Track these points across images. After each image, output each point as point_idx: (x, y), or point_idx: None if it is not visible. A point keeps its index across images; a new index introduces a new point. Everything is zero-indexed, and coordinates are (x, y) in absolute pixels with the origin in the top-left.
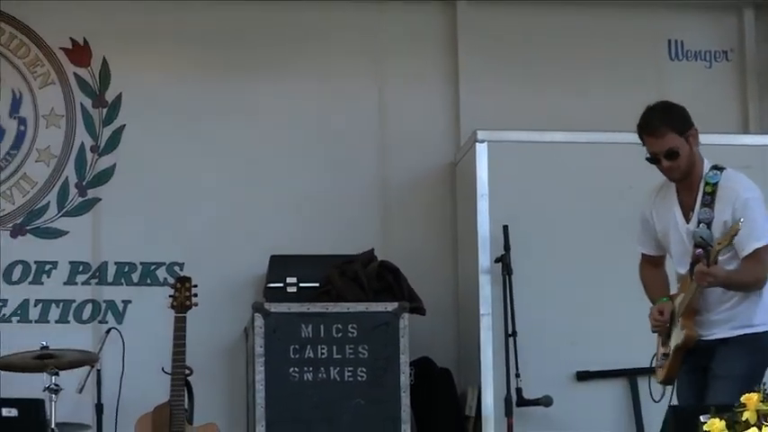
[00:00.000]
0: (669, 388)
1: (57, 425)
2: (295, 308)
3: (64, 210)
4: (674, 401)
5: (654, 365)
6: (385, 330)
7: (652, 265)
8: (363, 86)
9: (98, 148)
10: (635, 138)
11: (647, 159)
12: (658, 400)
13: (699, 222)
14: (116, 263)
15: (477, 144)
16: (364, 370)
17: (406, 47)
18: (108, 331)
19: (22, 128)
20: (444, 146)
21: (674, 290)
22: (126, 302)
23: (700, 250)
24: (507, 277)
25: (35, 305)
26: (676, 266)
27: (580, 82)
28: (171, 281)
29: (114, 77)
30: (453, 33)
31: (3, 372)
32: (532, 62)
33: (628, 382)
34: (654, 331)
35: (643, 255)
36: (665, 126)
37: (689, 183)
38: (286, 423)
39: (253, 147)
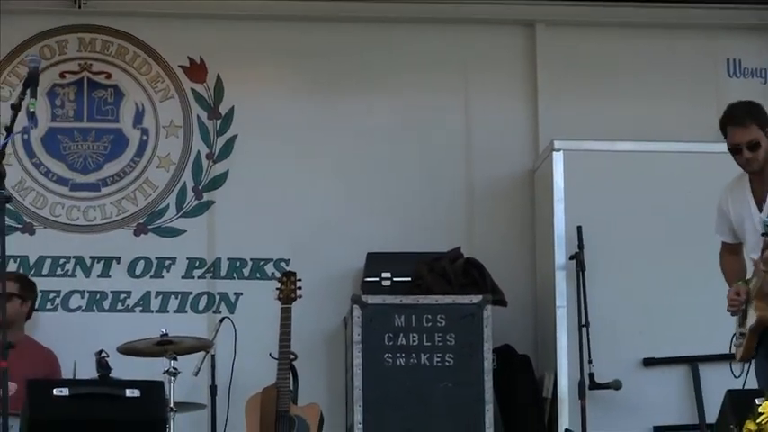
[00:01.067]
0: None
1: (175, 404)
2: (389, 300)
3: (182, 211)
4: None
5: (733, 345)
6: (470, 320)
7: (731, 253)
8: (452, 101)
9: (213, 155)
10: (697, 147)
11: (729, 150)
12: (738, 376)
13: None
14: (228, 259)
15: (553, 153)
16: (452, 356)
17: (490, 65)
18: (221, 320)
19: (145, 137)
20: (524, 155)
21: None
22: (237, 294)
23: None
24: (581, 273)
25: (156, 297)
26: (750, 253)
27: (647, 96)
28: (278, 275)
29: (227, 92)
30: (533, 53)
31: (127, 356)
32: (604, 79)
33: (690, 368)
34: (730, 311)
35: (723, 243)
36: (750, 118)
37: (762, 175)
38: (381, 404)
39: (352, 155)
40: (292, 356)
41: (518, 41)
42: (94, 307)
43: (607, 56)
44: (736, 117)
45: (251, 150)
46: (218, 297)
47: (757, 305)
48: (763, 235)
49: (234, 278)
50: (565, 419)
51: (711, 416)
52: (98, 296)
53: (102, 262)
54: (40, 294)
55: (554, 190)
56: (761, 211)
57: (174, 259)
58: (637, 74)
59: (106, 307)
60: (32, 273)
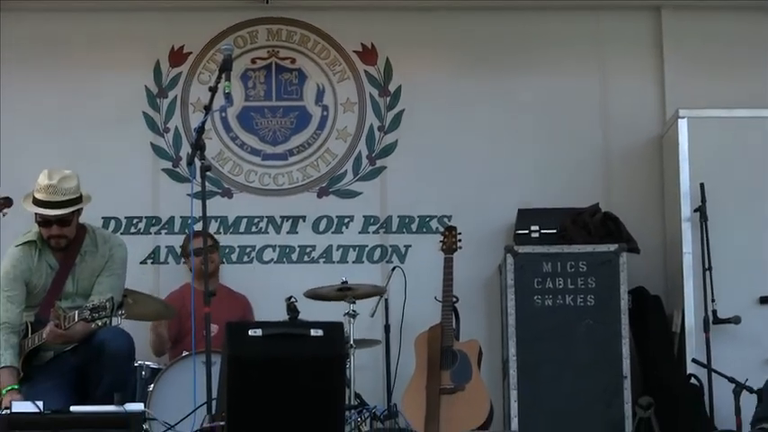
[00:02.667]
0: None
1: (354, 341)
2: (538, 249)
3: (358, 176)
4: None
5: None
6: (608, 266)
7: None
8: (589, 77)
9: (383, 127)
10: None
11: None
12: None
13: None
14: (398, 216)
15: (679, 120)
16: (592, 297)
17: (622, 44)
18: (393, 269)
19: (325, 113)
20: (653, 122)
21: None
22: (407, 247)
23: None
24: (704, 224)
25: (337, 249)
26: None
27: (760, 69)
28: (441, 230)
29: (395, 73)
30: (659, 33)
31: (312, 301)
32: (722, 54)
33: None
34: None
35: None
36: None
37: None
38: (531, 340)
39: (504, 125)
40: (454, 299)
41: (646, 23)
42: (284, 259)
43: (724, 34)
44: None
45: (416, 122)
46: (390, 249)
47: None
48: None
49: (403, 233)
50: (691, 350)
51: None
52: (287, 250)
53: (291, 220)
54: (237, 249)
55: (679, 152)
56: None
57: (351, 217)
58: (752, 49)
59: (294, 259)
60: (231, 231)
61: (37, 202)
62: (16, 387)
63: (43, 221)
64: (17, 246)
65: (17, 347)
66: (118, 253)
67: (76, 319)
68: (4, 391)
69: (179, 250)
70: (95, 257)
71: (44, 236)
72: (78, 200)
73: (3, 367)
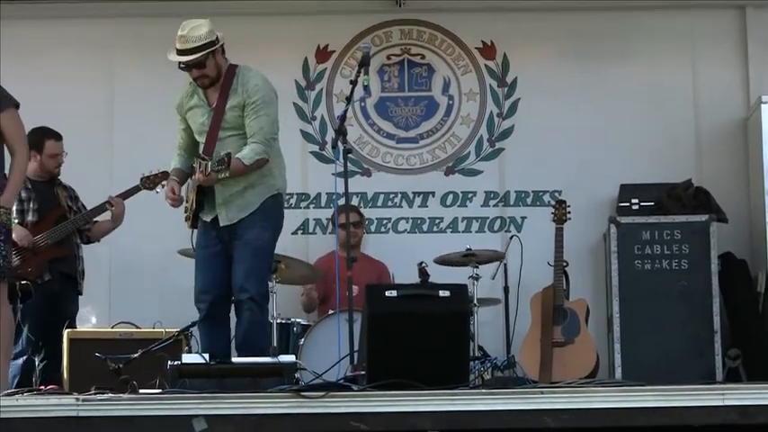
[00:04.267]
0: None
1: (477, 300)
2: (638, 220)
3: (480, 156)
4: None
5: None
6: (700, 234)
7: None
8: (681, 68)
9: (502, 114)
10: None
11: None
12: None
13: None
14: (515, 191)
15: (761, 105)
16: (686, 261)
17: (710, 39)
18: (511, 238)
19: (450, 102)
20: (738, 107)
21: None
22: (523, 218)
23: None
24: None
25: (462, 221)
26: None
27: None
28: (553, 203)
29: (512, 66)
30: (743, 28)
31: (440, 266)
32: None
33: None
34: None
35: None
36: None
37: None
38: (632, 299)
39: (607, 110)
40: (564, 264)
41: (732, 20)
42: (416, 230)
43: None
44: None
45: (530, 109)
46: (508, 220)
47: None
48: None
49: (520, 206)
50: None
51: None
52: (419, 221)
53: (421, 196)
54: (375, 221)
55: (762, 133)
56: None
57: (474, 193)
58: None
59: (425, 229)
60: (370, 205)
61: (176, 52)
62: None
63: (185, 67)
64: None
65: (185, 163)
66: (256, 94)
67: (208, 170)
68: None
69: (326, 222)
70: (237, 95)
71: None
72: (209, 44)
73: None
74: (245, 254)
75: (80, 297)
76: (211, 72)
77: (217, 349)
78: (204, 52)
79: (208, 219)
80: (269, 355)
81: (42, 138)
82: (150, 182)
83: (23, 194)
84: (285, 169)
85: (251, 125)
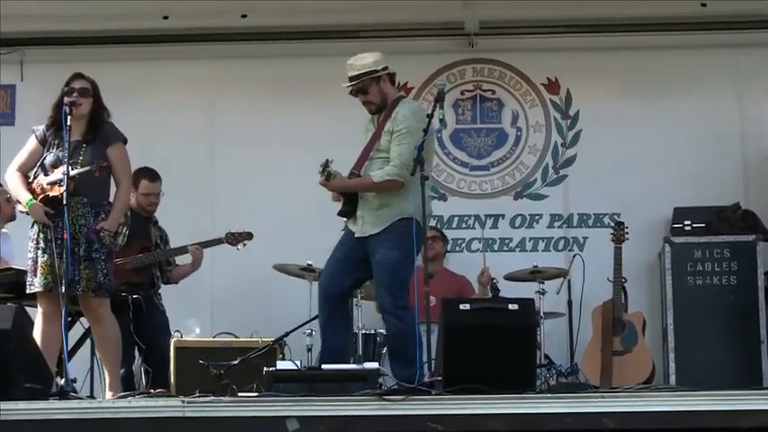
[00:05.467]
0: None
1: (543, 313)
2: (690, 239)
3: (545, 182)
4: None
5: None
6: (747, 252)
7: None
8: (729, 101)
9: (565, 144)
10: None
11: None
12: None
13: None
14: (578, 214)
15: None
16: (734, 278)
17: (754, 74)
18: (574, 256)
19: (519, 133)
20: None
21: None
22: (585, 238)
23: None
24: None
25: (529, 241)
26: None
27: None
28: (612, 224)
29: (574, 100)
30: None
31: (509, 282)
32: None
33: None
34: None
35: None
36: None
37: None
38: (685, 312)
39: (662, 139)
40: (623, 280)
41: None
42: (487, 249)
43: None
44: None
45: (591, 139)
46: (571, 240)
47: None
48: None
49: (582, 227)
50: None
51: None
52: (490, 241)
53: (493, 218)
54: (450, 241)
55: None
56: None
57: (541, 215)
58: None
59: (495, 249)
60: (446, 227)
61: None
62: None
63: (352, 92)
64: None
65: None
66: (402, 123)
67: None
68: None
69: None
70: (390, 122)
71: None
72: (369, 72)
73: None
74: (379, 272)
75: (182, 310)
76: (375, 98)
77: (333, 342)
78: (362, 79)
79: (350, 226)
80: (415, 365)
81: (138, 176)
82: (234, 238)
83: (121, 219)
84: (421, 196)
85: (392, 150)
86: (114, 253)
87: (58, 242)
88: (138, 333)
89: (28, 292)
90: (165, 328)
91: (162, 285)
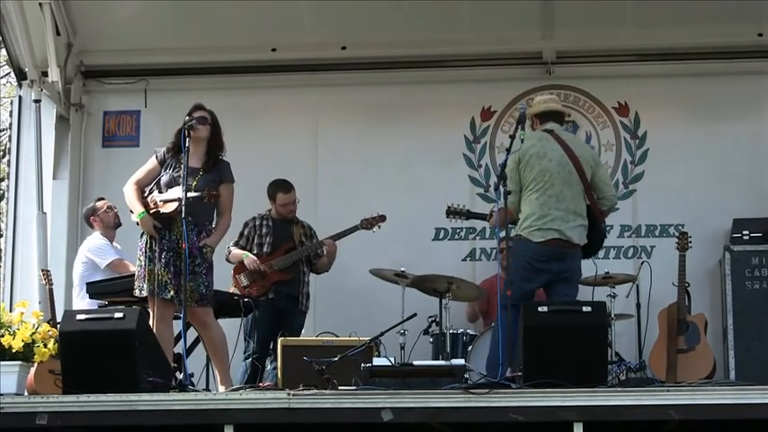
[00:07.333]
0: None
1: (614, 315)
2: (748, 247)
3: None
4: None
5: None
6: None
7: None
8: None
9: (634, 162)
10: None
11: None
12: None
13: None
14: (646, 225)
15: None
16: None
17: None
18: (642, 263)
19: None
20: None
21: None
22: (652, 247)
23: None
24: None
25: (601, 249)
26: None
27: None
28: (677, 234)
29: (642, 122)
30: None
31: (583, 286)
32: None
33: None
34: None
35: None
36: None
37: None
38: (744, 314)
39: (723, 157)
40: (687, 285)
41: None
42: None
43: None
44: None
45: (658, 157)
46: (639, 249)
47: None
48: None
49: (649, 237)
50: None
51: None
52: None
53: None
54: None
55: None
56: None
57: (611, 226)
58: None
59: None
60: None
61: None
62: None
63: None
64: None
65: None
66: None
67: None
68: None
69: (490, 251)
70: None
71: None
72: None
73: None
74: None
75: (306, 313)
76: None
77: None
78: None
79: None
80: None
81: (275, 191)
82: (369, 223)
83: (264, 230)
84: (533, 217)
85: None
86: (212, 267)
87: (164, 254)
88: (266, 330)
89: (137, 295)
90: (298, 331)
91: (310, 276)
